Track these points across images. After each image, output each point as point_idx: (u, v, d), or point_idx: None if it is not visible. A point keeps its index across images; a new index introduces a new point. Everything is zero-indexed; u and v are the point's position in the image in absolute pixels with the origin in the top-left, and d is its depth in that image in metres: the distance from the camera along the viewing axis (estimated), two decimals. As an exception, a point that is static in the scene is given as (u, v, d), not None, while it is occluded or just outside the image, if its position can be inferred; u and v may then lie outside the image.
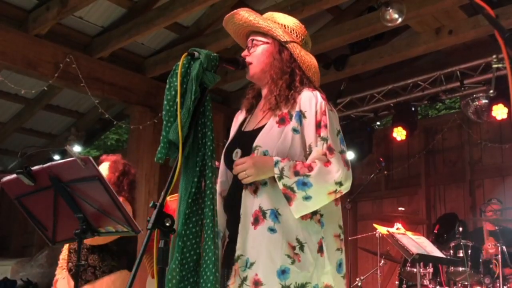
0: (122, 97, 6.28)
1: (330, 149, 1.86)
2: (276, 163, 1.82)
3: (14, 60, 5.34)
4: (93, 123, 8.18)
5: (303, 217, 1.84)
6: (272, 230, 1.81)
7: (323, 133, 1.87)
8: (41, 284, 7.39)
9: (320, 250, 1.85)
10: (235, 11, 2.02)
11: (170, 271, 1.73)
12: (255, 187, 1.87)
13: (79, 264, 2.44)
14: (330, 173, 1.82)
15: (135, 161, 6.33)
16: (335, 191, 1.84)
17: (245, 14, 2.00)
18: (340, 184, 1.83)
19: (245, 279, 1.80)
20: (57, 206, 2.37)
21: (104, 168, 3.38)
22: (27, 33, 5.46)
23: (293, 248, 1.80)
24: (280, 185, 1.81)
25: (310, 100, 1.92)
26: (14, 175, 2.31)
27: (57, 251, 3.57)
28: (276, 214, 1.83)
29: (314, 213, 1.86)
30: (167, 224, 1.61)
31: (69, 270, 3.19)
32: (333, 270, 1.86)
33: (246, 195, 1.88)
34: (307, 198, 1.79)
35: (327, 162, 1.83)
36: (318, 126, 1.88)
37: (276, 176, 1.81)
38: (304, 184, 1.80)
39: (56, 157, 7.61)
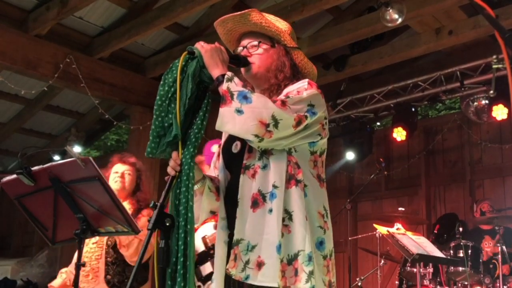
0: (122, 97, 6.28)
1: (283, 102, 1.80)
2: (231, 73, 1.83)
3: (14, 60, 5.33)
4: (93, 123, 8.18)
5: (288, 186, 1.82)
6: (271, 211, 1.81)
7: (291, 95, 1.84)
8: (41, 284, 7.37)
9: (307, 217, 1.83)
10: (245, 11, 2.02)
11: (171, 265, 1.74)
12: (254, 171, 1.87)
13: (79, 264, 2.44)
14: (274, 106, 1.76)
15: (135, 161, 6.34)
16: (266, 125, 1.73)
17: (257, 15, 2.02)
18: (275, 122, 1.74)
19: (247, 262, 1.81)
20: (57, 206, 2.37)
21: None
22: (27, 33, 5.47)
23: (283, 220, 1.80)
24: (223, 85, 1.77)
25: (296, 85, 1.93)
26: (14, 175, 2.32)
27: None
28: (273, 193, 1.82)
29: (299, 181, 1.84)
30: (167, 224, 1.62)
31: (108, 282, 3.20)
32: (313, 244, 1.83)
33: (244, 180, 1.88)
34: (239, 111, 1.73)
35: (278, 102, 1.79)
36: (287, 96, 1.85)
37: (226, 76, 1.79)
38: (245, 98, 1.75)
39: (56, 157, 7.60)
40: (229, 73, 1.81)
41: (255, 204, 1.84)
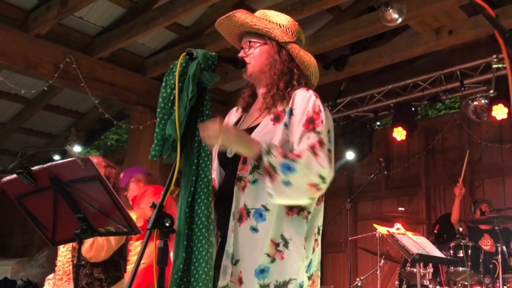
0: (122, 97, 6.28)
1: (321, 143, 1.79)
2: (265, 142, 1.78)
3: (14, 60, 5.34)
4: (93, 123, 8.19)
5: (290, 213, 1.81)
6: (254, 229, 1.79)
7: (319, 127, 1.83)
8: (41, 284, 7.35)
9: (305, 246, 1.82)
10: (230, 13, 2.00)
11: (176, 271, 1.73)
12: (244, 184, 1.85)
13: (79, 264, 2.44)
14: (317, 165, 1.75)
15: (135, 161, 6.34)
16: (316, 185, 1.74)
17: (241, 16, 1.99)
18: (323, 180, 1.75)
19: (231, 274, 1.80)
20: (57, 206, 2.37)
21: None
22: (27, 33, 5.47)
23: (277, 245, 1.78)
24: (265, 160, 1.72)
25: (303, 99, 1.89)
26: (14, 175, 2.31)
27: (57, 251, 3.55)
28: (261, 212, 1.80)
29: (302, 209, 1.83)
30: (167, 224, 1.62)
31: (76, 286, 3.17)
32: (305, 268, 1.83)
33: (236, 192, 1.86)
34: (287, 183, 1.71)
35: (316, 155, 1.77)
36: (310, 121, 1.84)
37: (263, 150, 1.73)
38: (288, 168, 1.71)
39: (56, 157, 7.59)
40: (264, 146, 1.75)
41: (240, 218, 1.83)
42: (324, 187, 1.77)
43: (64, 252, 3.28)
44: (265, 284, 1.75)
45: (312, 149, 1.78)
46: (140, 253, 1.58)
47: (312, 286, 1.88)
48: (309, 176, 1.74)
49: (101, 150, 11.81)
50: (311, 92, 1.92)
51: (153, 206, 1.63)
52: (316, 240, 1.89)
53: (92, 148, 10.75)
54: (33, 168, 2.28)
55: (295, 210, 1.82)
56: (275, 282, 1.75)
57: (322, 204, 1.95)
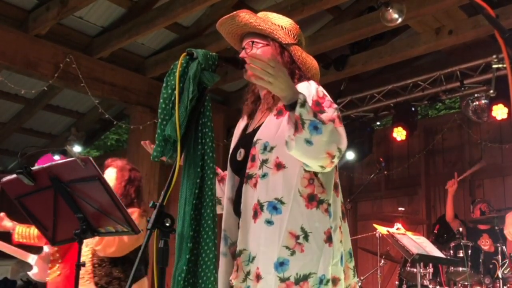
0: (122, 97, 6.28)
1: (340, 118, 1.82)
2: (302, 94, 1.73)
3: (14, 60, 5.33)
4: (93, 123, 8.19)
5: (309, 206, 1.80)
6: (269, 222, 1.79)
7: (335, 105, 1.84)
8: (41, 284, 7.37)
9: (329, 240, 1.80)
10: (234, 13, 2.01)
11: (179, 273, 1.72)
12: (255, 181, 1.85)
13: (79, 264, 2.44)
14: (338, 136, 1.75)
15: (135, 161, 6.34)
16: (333, 157, 1.73)
17: (245, 16, 1.99)
18: (340, 152, 1.75)
19: (248, 273, 1.80)
20: (57, 206, 2.37)
21: (111, 177, 3.35)
22: (27, 33, 5.46)
23: (297, 237, 1.77)
24: (297, 111, 1.67)
25: (304, 87, 1.89)
26: (14, 175, 2.31)
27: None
28: (275, 206, 1.80)
29: (321, 201, 1.82)
30: (167, 224, 1.61)
31: (96, 284, 3.19)
32: (338, 262, 1.84)
33: (246, 190, 1.87)
34: (308, 142, 1.68)
35: (335, 128, 1.77)
36: (317, 104, 1.84)
37: (299, 101, 1.67)
38: (315, 128, 1.68)
39: (56, 157, 7.59)
40: (301, 97, 1.70)
41: (255, 214, 1.83)
42: (336, 161, 1.76)
43: (86, 252, 3.28)
44: (285, 277, 1.74)
45: (333, 122, 1.78)
46: (140, 255, 1.58)
47: (345, 278, 1.88)
48: (330, 144, 1.72)
49: (101, 150, 11.81)
50: (311, 81, 1.93)
51: (153, 206, 1.63)
52: (342, 232, 1.89)
53: (92, 148, 10.74)
54: (33, 168, 2.29)
55: (314, 203, 1.81)
56: (295, 275, 1.74)
57: (340, 195, 1.95)
